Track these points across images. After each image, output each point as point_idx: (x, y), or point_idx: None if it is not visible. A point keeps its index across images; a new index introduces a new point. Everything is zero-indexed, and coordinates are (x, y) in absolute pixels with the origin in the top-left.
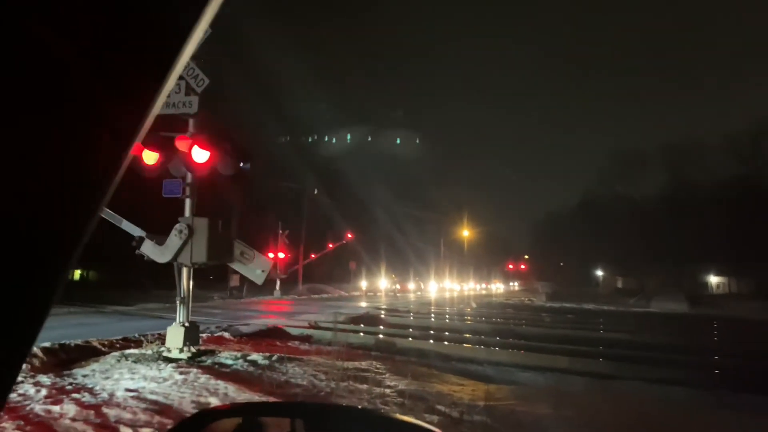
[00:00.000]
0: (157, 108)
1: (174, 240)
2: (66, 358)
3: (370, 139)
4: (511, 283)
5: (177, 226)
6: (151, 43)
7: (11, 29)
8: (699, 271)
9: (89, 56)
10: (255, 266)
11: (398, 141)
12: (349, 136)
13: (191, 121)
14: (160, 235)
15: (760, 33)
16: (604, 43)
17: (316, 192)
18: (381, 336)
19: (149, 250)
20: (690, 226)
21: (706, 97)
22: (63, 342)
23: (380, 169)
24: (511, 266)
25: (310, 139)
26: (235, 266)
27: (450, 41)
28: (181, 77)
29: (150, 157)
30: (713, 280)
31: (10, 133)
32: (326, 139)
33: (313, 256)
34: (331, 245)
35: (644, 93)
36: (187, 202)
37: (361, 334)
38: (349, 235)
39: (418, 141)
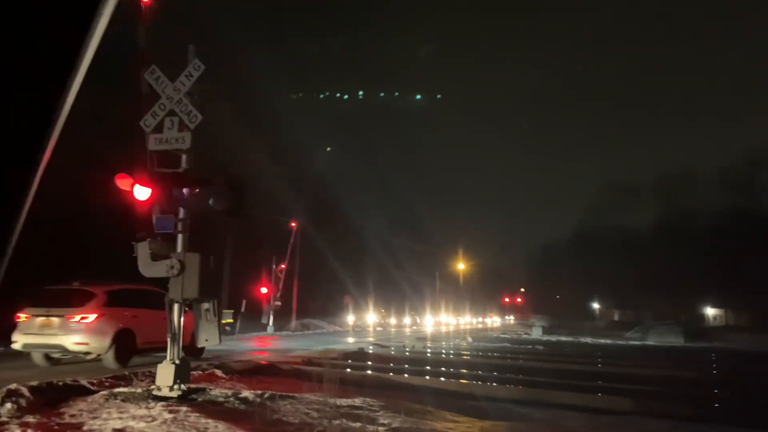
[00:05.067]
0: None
1: (160, 268)
2: (53, 398)
3: (382, 95)
4: (507, 317)
5: (168, 261)
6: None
7: None
8: (696, 303)
9: None
10: (205, 331)
11: (417, 98)
12: (361, 93)
13: (184, 157)
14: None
15: (755, 66)
16: (599, 74)
17: (329, 149)
18: (375, 372)
19: (142, 254)
20: (685, 257)
21: (700, 129)
22: (50, 381)
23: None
24: (507, 300)
25: (321, 96)
26: (195, 317)
27: (438, 61)
28: (173, 113)
29: (142, 193)
30: (710, 312)
31: None
32: (338, 95)
33: (282, 266)
34: (291, 242)
35: (638, 124)
36: (179, 237)
37: (354, 370)
38: (293, 224)
39: (418, 97)
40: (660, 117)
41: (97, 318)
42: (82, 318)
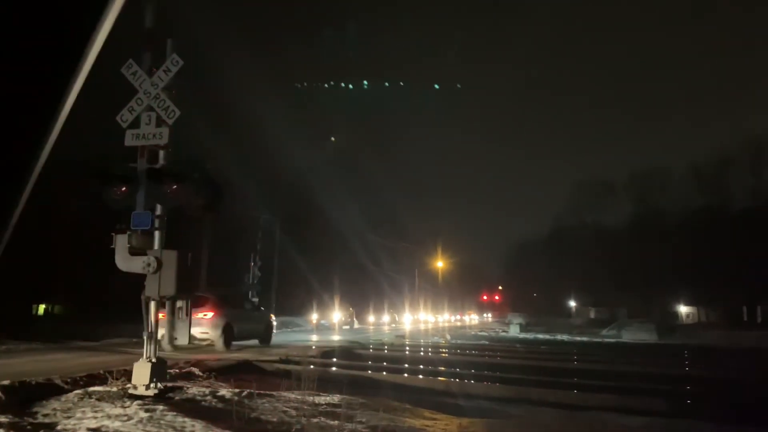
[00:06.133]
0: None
1: (137, 263)
2: (26, 397)
3: (387, 85)
4: (484, 315)
5: (145, 258)
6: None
7: None
8: (669, 300)
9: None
10: (176, 329)
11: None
12: (365, 83)
13: (161, 153)
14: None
15: (725, 69)
16: (573, 74)
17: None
18: (353, 370)
19: (120, 246)
20: (658, 255)
21: (671, 129)
22: (23, 380)
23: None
24: (485, 297)
25: (326, 85)
26: (167, 315)
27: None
28: (151, 108)
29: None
30: (683, 309)
31: None
32: (343, 85)
33: (253, 264)
34: (258, 248)
35: (612, 123)
36: (156, 234)
37: (333, 368)
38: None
39: (436, 86)
40: (634, 116)
41: (213, 315)
42: (205, 315)
